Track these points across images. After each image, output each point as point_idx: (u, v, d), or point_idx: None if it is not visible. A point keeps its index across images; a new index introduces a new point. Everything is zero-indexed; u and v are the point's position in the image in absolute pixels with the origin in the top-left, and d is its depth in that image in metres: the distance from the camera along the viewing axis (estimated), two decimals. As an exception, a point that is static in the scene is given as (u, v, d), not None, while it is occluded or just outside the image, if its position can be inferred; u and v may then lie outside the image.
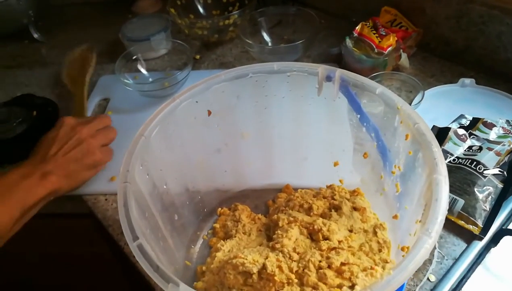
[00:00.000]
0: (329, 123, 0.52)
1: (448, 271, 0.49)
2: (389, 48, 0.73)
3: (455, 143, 0.58)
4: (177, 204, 0.52)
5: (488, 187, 0.53)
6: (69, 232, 0.76)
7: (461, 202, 0.52)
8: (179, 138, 0.49)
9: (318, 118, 0.52)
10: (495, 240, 0.50)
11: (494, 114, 0.64)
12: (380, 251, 0.48)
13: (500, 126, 0.59)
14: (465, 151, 0.57)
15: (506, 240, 0.50)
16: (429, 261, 0.51)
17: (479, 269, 0.49)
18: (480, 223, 0.51)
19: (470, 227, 0.52)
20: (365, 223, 0.51)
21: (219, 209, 0.58)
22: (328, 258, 0.45)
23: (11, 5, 0.92)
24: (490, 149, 0.56)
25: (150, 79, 0.81)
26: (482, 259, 0.50)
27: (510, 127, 0.59)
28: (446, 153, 0.57)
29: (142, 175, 0.42)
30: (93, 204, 0.63)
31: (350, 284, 0.41)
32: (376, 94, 0.45)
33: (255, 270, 0.44)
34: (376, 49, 0.73)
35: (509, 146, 0.56)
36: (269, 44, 0.86)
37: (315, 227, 0.49)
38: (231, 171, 0.58)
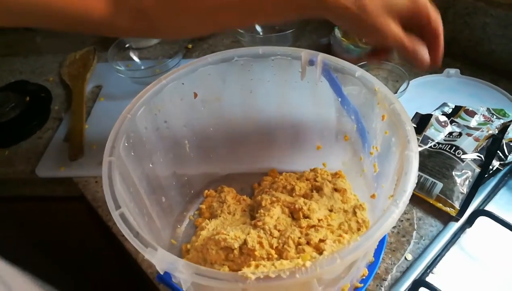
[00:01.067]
0: (313, 107, 0.54)
1: (424, 250, 0.51)
2: (376, 38, 0.74)
3: (436, 130, 0.60)
4: (164, 184, 0.53)
5: (466, 171, 0.54)
6: (60, 215, 0.77)
7: (439, 185, 0.54)
8: (165, 119, 0.50)
9: (302, 102, 0.54)
10: (470, 221, 0.52)
11: (477, 103, 0.66)
12: (358, 230, 0.50)
13: (481, 114, 0.61)
14: (445, 136, 0.59)
15: (481, 220, 0.51)
16: (407, 242, 0.53)
17: (454, 249, 0.50)
18: (457, 205, 0.53)
19: (448, 209, 0.53)
20: (345, 203, 0.52)
21: (206, 191, 0.60)
22: (307, 234, 0.47)
23: (7, -7, 0.93)
24: (469, 135, 0.57)
25: (142, 67, 0.83)
26: (457, 239, 0.51)
27: (491, 115, 0.61)
28: (427, 139, 0.59)
29: (128, 152, 0.43)
30: (83, 186, 0.64)
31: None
32: (355, 77, 0.46)
33: (236, 245, 0.46)
34: (363, 39, 0.74)
35: (487, 131, 0.57)
36: (260, 34, 0.87)
37: (296, 206, 0.50)
38: (218, 154, 0.59)
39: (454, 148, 0.56)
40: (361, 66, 0.71)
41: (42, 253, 0.88)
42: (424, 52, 0.43)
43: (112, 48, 0.79)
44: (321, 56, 0.49)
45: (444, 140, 0.59)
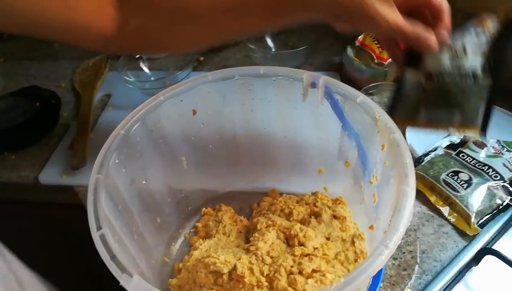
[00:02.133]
0: (315, 129, 0.52)
1: (426, 286, 0.48)
2: (389, 59, 0.72)
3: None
4: (158, 201, 0.52)
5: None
6: (60, 222, 0.77)
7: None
8: (162, 136, 0.49)
9: (304, 123, 0.52)
10: (476, 259, 0.49)
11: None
12: (356, 261, 0.48)
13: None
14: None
15: (488, 259, 0.48)
16: (408, 276, 0.50)
17: (459, 287, 0.48)
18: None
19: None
20: (344, 232, 0.50)
21: (204, 208, 0.59)
22: (300, 263, 0.45)
23: None
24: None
25: (152, 78, 0.83)
26: (462, 277, 0.48)
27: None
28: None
29: (118, 169, 0.42)
30: (83, 196, 0.64)
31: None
32: (357, 103, 0.44)
33: (225, 270, 0.44)
34: (376, 59, 0.73)
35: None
36: (273, 50, 0.86)
37: (292, 232, 0.49)
38: (218, 172, 0.58)
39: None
40: (373, 87, 0.71)
41: (43, 256, 0.88)
42: (426, 35, 0.41)
43: (122, 58, 0.79)
44: (323, 79, 0.47)
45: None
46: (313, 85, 0.48)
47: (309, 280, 0.41)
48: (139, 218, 0.47)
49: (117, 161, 0.42)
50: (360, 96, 0.44)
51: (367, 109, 0.44)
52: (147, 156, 0.48)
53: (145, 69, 0.83)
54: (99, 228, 0.34)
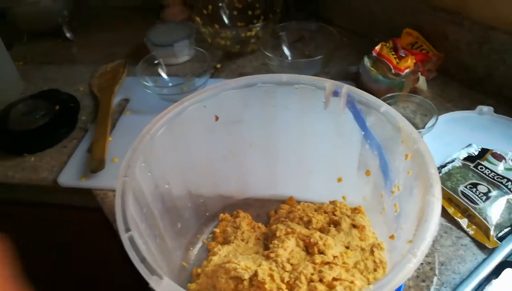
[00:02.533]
0: (335, 138, 0.53)
1: (445, 298, 0.48)
2: (407, 70, 0.72)
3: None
4: (179, 206, 0.53)
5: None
6: (77, 224, 0.78)
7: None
8: (184, 141, 0.50)
9: (324, 132, 0.53)
10: (496, 272, 0.49)
11: (509, 144, 0.63)
12: (375, 270, 0.48)
13: (510, 159, 0.58)
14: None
15: (508, 272, 0.48)
16: (426, 287, 0.50)
17: (478, 300, 0.47)
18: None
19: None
20: (363, 241, 0.50)
21: (221, 214, 0.59)
22: (320, 271, 0.45)
23: (48, 5, 0.97)
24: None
25: (170, 84, 0.84)
26: (482, 290, 0.48)
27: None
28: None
29: (144, 172, 0.43)
30: (101, 199, 0.65)
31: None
32: (380, 113, 0.45)
33: (246, 276, 0.44)
34: (393, 70, 0.73)
35: None
36: (289, 58, 0.87)
37: (312, 240, 0.49)
38: (236, 178, 0.58)
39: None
40: (390, 98, 0.72)
41: (58, 258, 0.89)
42: None
43: (141, 63, 0.80)
44: (346, 88, 0.48)
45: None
46: (336, 94, 0.49)
47: (338, 287, 0.41)
48: (161, 221, 0.47)
49: (143, 164, 0.42)
50: (384, 106, 0.45)
51: (390, 119, 0.44)
52: (170, 160, 0.49)
53: (163, 75, 0.84)
54: (127, 229, 0.35)
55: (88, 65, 0.95)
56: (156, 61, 0.83)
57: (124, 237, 0.34)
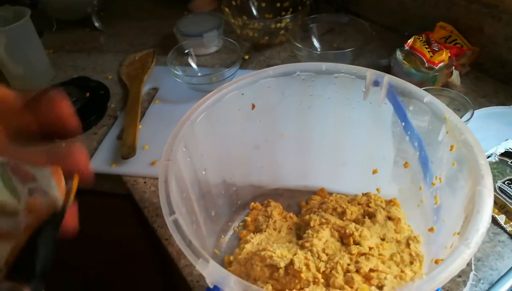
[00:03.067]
0: (372, 130, 0.52)
1: (483, 295, 0.47)
2: (441, 64, 0.71)
3: None
4: (213, 193, 0.53)
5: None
6: (105, 211, 0.78)
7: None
8: (222, 128, 0.50)
9: (361, 123, 0.52)
10: (537, 269, 0.48)
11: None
12: (411, 263, 0.47)
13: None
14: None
15: (550, 270, 0.47)
16: (463, 283, 0.49)
17: (517, 297, 0.46)
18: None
19: None
20: (398, 233, 0.50)
21: (252, 203, 0.59)
22: (357, 262, 0.44)
23: (78, -6, 0.98)
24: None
25: (199, 74, 0.84)
26: (521, 287, 0.47)
27: None
28: None
29: (184, 157, 0.43)
30: (131, 185, 0.65)
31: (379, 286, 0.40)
32: (423, 103, 0.44)
33: (282, 264, 0.44)
34: (426, 63, 0.72)
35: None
36: (318, 50, 0.86)
37: (347, 231, 0.48)
38: (268, 168, 0.58)
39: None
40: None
41: (83, 243, 0.90)
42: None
43: (172, 52, 0.80)
44: (387, 78, 0.47)
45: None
46: (376, 83, 0.48)
47: (388, 276, 0.40)
48: (197, 207, 0.47)
49: (184, 149, 0.42)
50: (428, 96, 0.44)
51: (434, 109, 0.43)
52: (208, 147, 0.49)
53: (193, 65, 0.84)
54: (172, 212, 0.35)
55: (116, 54, 0.95)
56: (186, 51, 0.83)
57: (169, 220, 0.34)
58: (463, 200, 0.37)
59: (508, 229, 0.53)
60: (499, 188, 0.56)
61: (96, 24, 1.04)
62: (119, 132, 0.73)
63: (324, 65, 0.49)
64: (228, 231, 0.57)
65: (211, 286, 0.31)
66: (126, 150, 0.67)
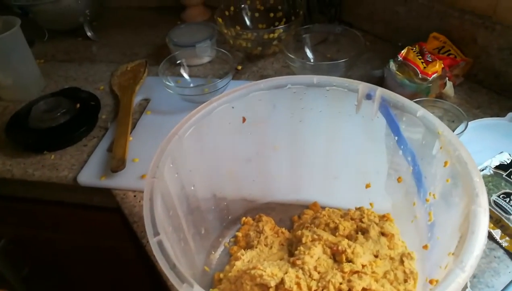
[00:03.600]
0: (364, 143, 0.51)
1: (479, 313, 0.46)
2: (434, 75, 0.70)
3: None
4: (203, 208, 0.51)
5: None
6: (96, 224, 0.77)
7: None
8: (211, 142, 0.49)
9: (354, 136, 0.51)
10: (533, 287, 0.47)
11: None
12: (405, 281, 0.46)
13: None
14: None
15: (547, 288, 0.46)
16: (458, 300, 0.48)
17: (513, 316, 0.45)
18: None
19: None
20: (392, 250, 0.49)
21: (244, 218, 0.58)
22: (349, 281, 0.43)
23: (70, 4, 0.97)
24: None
25: (191, 85, 0.83)
26: (518, 305, 0.46)
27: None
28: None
29: (172, 173, 0.42)
30: (121, 199, 0.64)
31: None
32: (416, 117, 0.43)
33: (272, 283, 0.43)
34: (420, 74, 0.71)
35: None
36: (312, 61, 0.86)
37: (340, 247, 0.47)
38: (259, 182, 0.57)
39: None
40: (415, 103, 0.70)
41: (76, 256, 0.89)
42: None
43: (163, 63, 0.80)
44: (380, 91, 0.46)
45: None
46: (369, 97, 0.47)
47: None
48: (185, 224, 0.46)
49: (171, 165, 0.41)
50: (421, 110, 0.43)
51: (427, 124, 0.42)
52: (197, 161, 0.47)
53: (185, 75, 0.84)
54: (156, 233, 0.34)
55: (108, 64, 0.95)
56: (178, 62, 0.82)
57: (152, 241, 0.33)
58: (458, 218, 0.36)
59: (503, 244, 0.52)
60: (494, 201, 0.55)
61: (89, 33, 1.04)
62: (110, 145, 0.72)
63: (315, 78, 0.48)
64: (218, 247, 0.55)
65: (195, 312, 0.30)
66: (115, 163, 0.66)
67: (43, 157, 0.72)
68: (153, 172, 0.39)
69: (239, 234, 0.56)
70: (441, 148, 0.41)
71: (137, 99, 0.82)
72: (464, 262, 0.30)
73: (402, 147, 0.47)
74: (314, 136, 0.53)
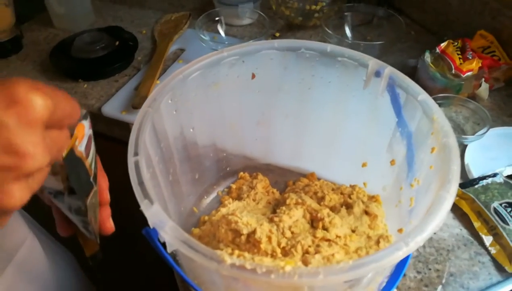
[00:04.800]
0: (368, 121, 0.51)
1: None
2: (468, 73, 0.68)
3: None
4: (201, 153, 0.54)
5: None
6: (112, 154, 0.82)
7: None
8: (218, 92, 0.50)
9: (359, 113, 0.51)
10: (507, 296, 0.46)
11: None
12: (376, 261, 0.46)
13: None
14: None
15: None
16: (428, 293, 0.48)
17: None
18: None
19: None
20: (372, 229, 0.49)
21: (241, 172, 0.60)
22: (318, 246, 0.44)
23: None
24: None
25: (226, 43, 0.85)
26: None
27: None
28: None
29: (169, 109, 0.44)
30: (136, 135, 0.67)
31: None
32: (417, 100, 0.42)
33: (245, 231, 0.45)
34: (453, 70, 0.68)
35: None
36: (349, 39, 0.84)
37: (319, 215, 0.48)
38: (261, 142, 0.58)
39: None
40: (443, 98, 0.68)
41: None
42: None
43: (202, 17, 0.82)
44: (389, 69, 0.46)
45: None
46: (378, 74, 0.47)
47: (316, 255, 0.40)
48: (178, 162, 0.48)
49: (169, 101, 0.44)
50: (423, 94, 0.42)
51: (426, 108, 0.41)
52: (200, 106, 0.50)
53: (221, 32, 0.85)
54: (136, 153, 0.36)
55: (155, 12, 0.98)
56: (216, 18, 0.84)
57: (130, 160, 0.36)
58: (429, 203, 0.36)
59: (492, 251, 0.51)
60: (494, 208, 0.53)
61: (145, -21, 1.07)
62: (138, 84, 0.76)
63: (329, 47, 0.48)
64: (211, 193, 0.58)
65: (151, 227, 0.32)
66: (138, 100, 0.69)
67: (77, 84, 0.77)
68: (149, 102, 0.41)
69: (233, 186, 0.58)
70: (432, 133, 0.40)
71: (173, 47, 0.85)
72: (410, 237, 0.30)
73: (400, 129, 0.46)
74: (320, 107, 0.54)
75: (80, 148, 0.30)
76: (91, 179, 0.33)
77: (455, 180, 0.34)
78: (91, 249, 0.37)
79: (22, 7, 0.87)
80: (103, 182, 0.37)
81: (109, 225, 0.37)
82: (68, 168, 0.29)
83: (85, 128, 0.30)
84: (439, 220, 0.32)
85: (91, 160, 0.32)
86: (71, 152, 0.28)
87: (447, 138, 0.38)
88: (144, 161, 0.37)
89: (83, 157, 0.30)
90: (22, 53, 0.86)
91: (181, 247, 0.30)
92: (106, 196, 0.37)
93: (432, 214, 0.32)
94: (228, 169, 0.60)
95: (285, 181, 0.60)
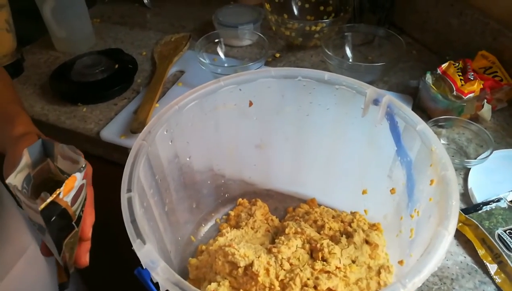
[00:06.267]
0: (367, 149, 0.50)
1: None
2: (470, 95, 0.67)
3: None
4: (198, 180, 0.53)
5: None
6: (111, 178, 0.82)
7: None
8: (215, 120, 0.50)
9: (357, 140, 0.50)
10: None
11: None
12: (377, 293, 0.45)
13: None
14: None
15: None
16: (431, 325, 0.46)
17: None
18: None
19: None
20: (372, 259, 0.48)
21: (240, 199, 0.59)
22: (317, 278, 0.43)
23: (132, -31, 1.02)
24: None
25: (226, 65, 0.85)
26: None
27: None
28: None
29: (165, 140, 0.44)
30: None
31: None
32: (416, 131, 0.42)
33: (242, 263, 0.44)
34: (455, 92, 0.68)
35: None
36: (350, 60, 0.84)
37: (318, 245, 0.47)
38: (260, 167, 0.58)
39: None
40: (445, 120, 0.67)
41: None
42: None
43: (202, 39, 0.82)
44: (387, 98, 0.45)
45: None
46: (376, 102, 0.46)
47: (315, 289, 0.39)
48: (175, 191, 0.48)
49: (165, 133, 0.43)
50: (421, 124, 0.41)
51: (424, 139, 0.41)
52: (197, 135, 0.49)
53: (221, 54, 0.85)
54: (129, 190, 0.36)
55: (156, 33, 0.99)
56: (216, 40, 0.84)
57: (123, 196, 0.35)
58: (428, 238, 0.35)
59: (497, 280, 0.50)
60: (498, 235, 0.52)
61: (145, 1, 1.08)
62: (137, 107, 0.76)
63: (326, 75, 0.48)
64: (209, 221, 0.57)
65: (143, 268, 0.32)
66: (136, 125, 0.69)
67: (76, 107, 0.77)
68: (143, 135, 0.41)
69: (232, 213, 0.58)
70: (431, 165, 0.39)
71: (172, 69, 0.85)
72: (408, 278, 0.29)
73: (400, 158, 0.45)
74: (319, 133, 0.53)
75: (67, 198, 0.31)
76: (73, 222, 0.34)
77: (454, 217, 0.33)
78: (62, 278, 0.38)
79: (25, 29, 0.88)
80: (88, 220, 0.38)
81: (84, 260, 0.38)
82: (45, 218, 0.30)
83: (76, 180, 0.31)
84: (437, 259, 0.31)
85: (77, 206, 0.33)
86: (52, 203, 0.30)
87: (446, 171, 0.37)
88: (137, 197, 0.36)
89: (67, 206, 0.31)
90: (23, 76, 0.86)
91: (173, 289, 0.29)
92: (88, 233, 0.38)
93: (431, 253, 0.31)
94: (226, 195, 0.59)
95: (285, 207, 0.59)
